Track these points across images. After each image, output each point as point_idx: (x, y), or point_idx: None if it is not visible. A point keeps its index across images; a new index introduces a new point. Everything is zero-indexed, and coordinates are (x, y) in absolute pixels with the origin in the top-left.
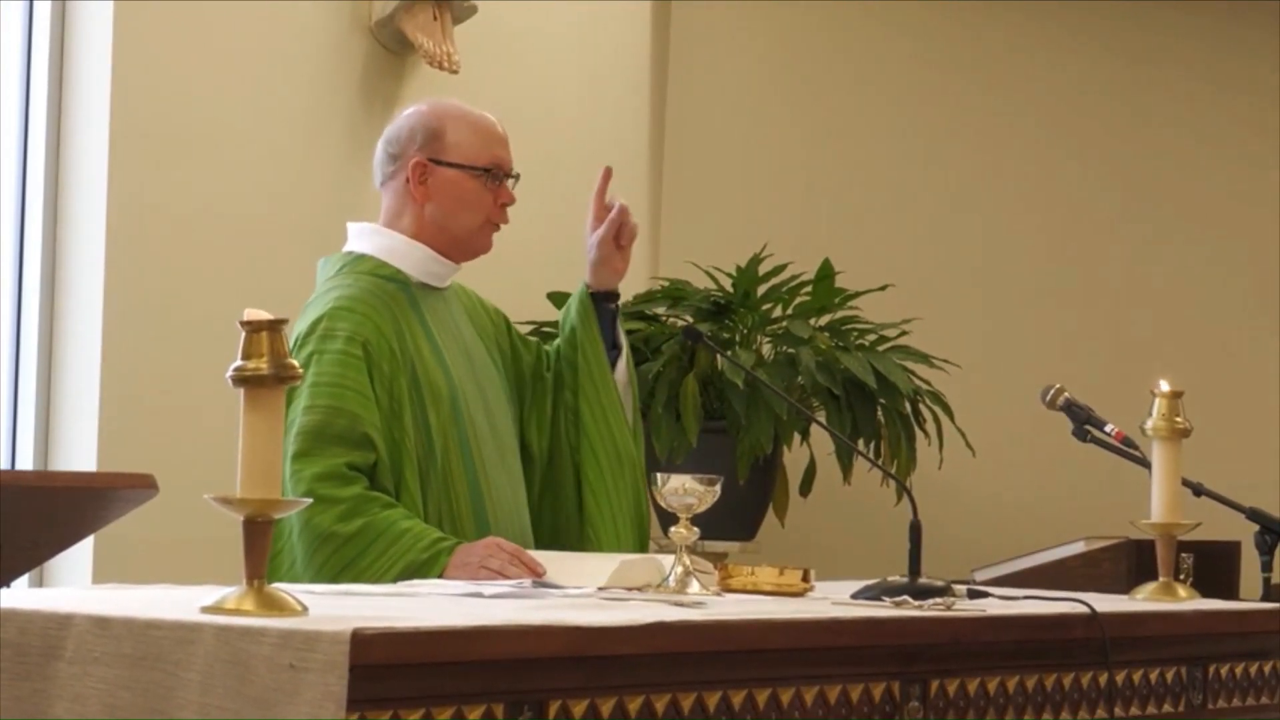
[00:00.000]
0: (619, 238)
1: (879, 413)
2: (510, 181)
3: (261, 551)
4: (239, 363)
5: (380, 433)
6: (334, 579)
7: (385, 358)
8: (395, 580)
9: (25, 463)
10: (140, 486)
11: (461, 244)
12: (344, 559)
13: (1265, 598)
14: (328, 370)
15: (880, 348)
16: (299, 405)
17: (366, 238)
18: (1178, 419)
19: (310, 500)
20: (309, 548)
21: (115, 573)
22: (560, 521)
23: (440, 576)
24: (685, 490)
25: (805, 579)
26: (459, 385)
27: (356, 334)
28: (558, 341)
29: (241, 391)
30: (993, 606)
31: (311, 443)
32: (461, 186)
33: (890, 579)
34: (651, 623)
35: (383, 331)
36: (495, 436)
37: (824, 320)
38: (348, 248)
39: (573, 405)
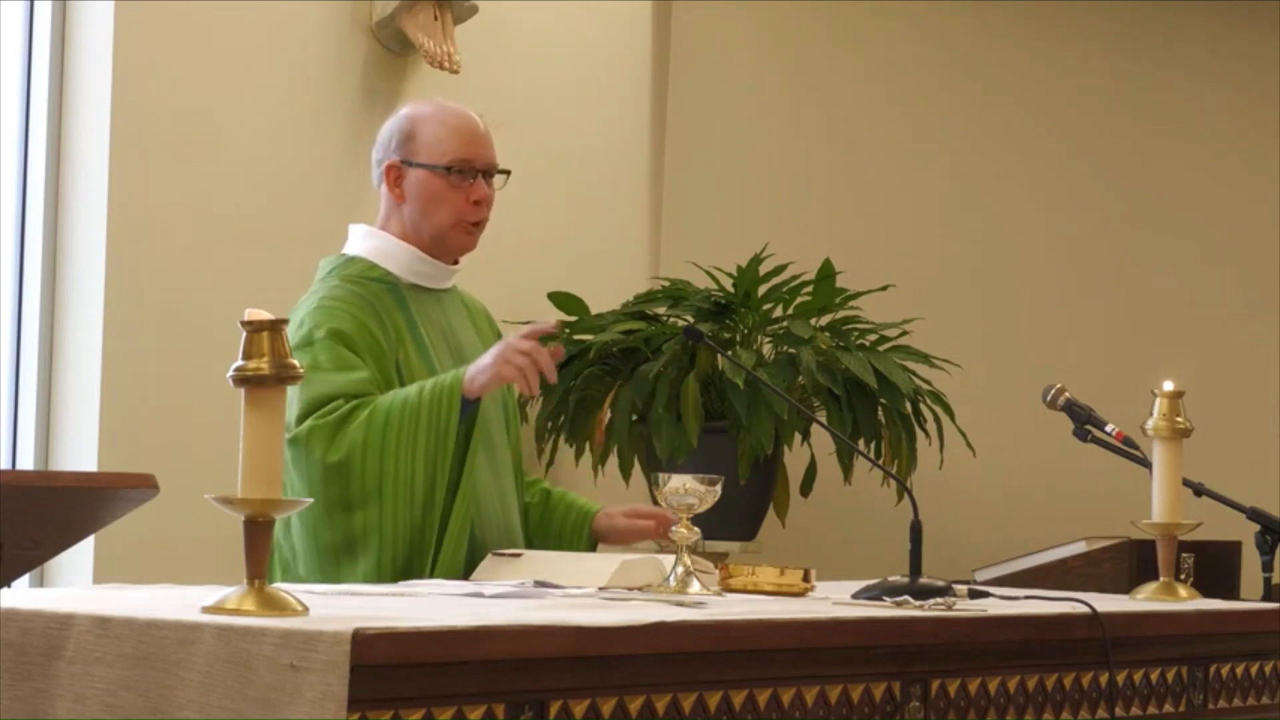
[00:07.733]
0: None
1: (880, 413)
2: (499, 178)
3: (262, 551)
4: (239, 363)
5: (371, 367)
6: (350, 490)
7: (366, 346)
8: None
9: (25, 463)
10: (140, 486)
11: (439, 243)
12: (363, 459)
13: (1266, 598)
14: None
15: (881, 348)
16: (292, 394)
17: (360, 240)
18: (1178, 419)
19: (310, 500)
20: (320, 475)
21: (115, 573)
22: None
23: (465, 398)
24: (686, 490)
25: (806, 579)
26: None
27: (338, 328)
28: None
29: (242, 391)
30: (993, 606)
31: (307, 408)
32: (428, 186)
33: (891, 579)
34: (652, 623)
35: (364, 324)
36: (483, 435)
37: (825, 320)
38: (345, 249)
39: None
